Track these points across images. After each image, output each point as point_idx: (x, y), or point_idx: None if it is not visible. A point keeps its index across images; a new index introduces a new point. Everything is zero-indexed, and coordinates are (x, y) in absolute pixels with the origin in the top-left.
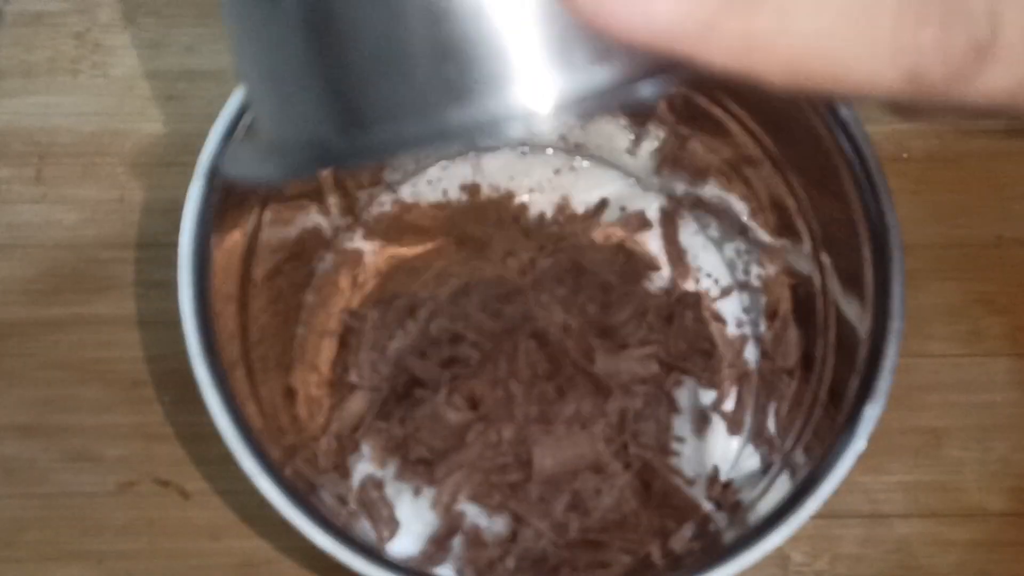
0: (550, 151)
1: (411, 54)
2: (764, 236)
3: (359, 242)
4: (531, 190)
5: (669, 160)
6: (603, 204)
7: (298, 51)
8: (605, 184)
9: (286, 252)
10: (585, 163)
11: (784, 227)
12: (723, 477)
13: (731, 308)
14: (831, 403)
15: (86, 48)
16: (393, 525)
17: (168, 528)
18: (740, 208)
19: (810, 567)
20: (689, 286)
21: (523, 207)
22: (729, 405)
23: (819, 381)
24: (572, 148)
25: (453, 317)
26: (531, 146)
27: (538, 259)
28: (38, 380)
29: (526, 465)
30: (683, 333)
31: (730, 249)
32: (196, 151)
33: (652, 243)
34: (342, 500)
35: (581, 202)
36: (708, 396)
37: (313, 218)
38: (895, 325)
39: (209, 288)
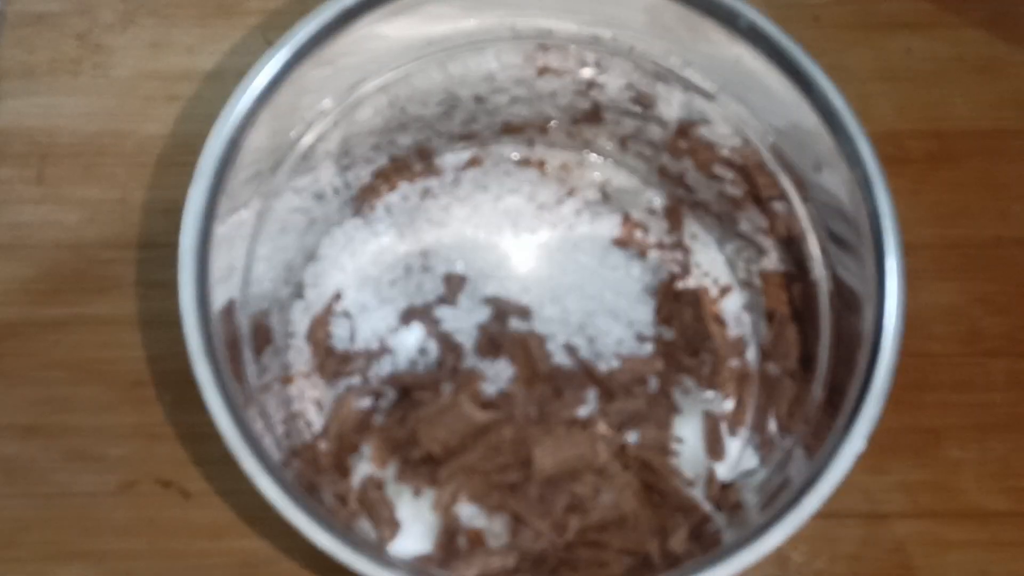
0: (559, 147)
1: None
2: (763, 237)
3: None
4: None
5: (668, 166)
6: (605, 194)
7: None
8: (612, 177)
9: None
10: (596, 159)
11: (783, 228)
12: (722, 477)
13: (731, 307)
14: (830, 403)
15: (87, 49)
16: (394, 525)
17: (169, 528)
18: (739, 208)
19: (809, 567)
20: (689, 283)
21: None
22: (729, 405)
23: (819, 381)
24: (581, 145)
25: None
26: (542, 142)
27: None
28: (39, 380)
29: (526, 465)
30: (682, 332)
31: (730, 248)
32: (197, 151)
33: (652, 240)
34: (342, 500)
35: (586, 193)
36: (708, 396)
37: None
38: (894, 325)
39: (209, 288)
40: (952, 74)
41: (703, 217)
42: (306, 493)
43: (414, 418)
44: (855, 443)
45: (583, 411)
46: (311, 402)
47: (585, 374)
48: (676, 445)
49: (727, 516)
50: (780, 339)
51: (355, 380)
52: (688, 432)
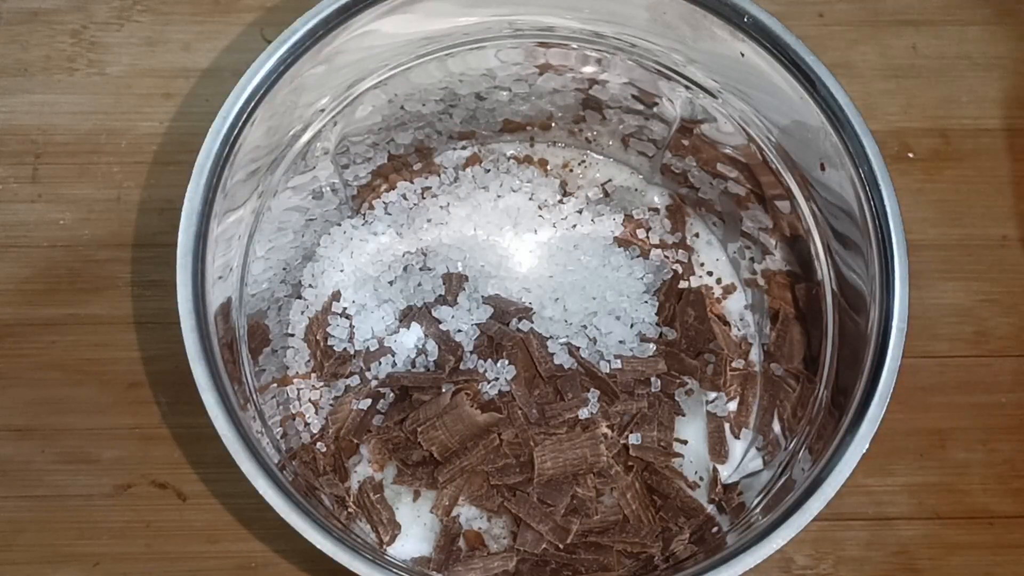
0: (561, 145)
1: None
2: (767, 236)
3: None
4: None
5: (670, 164)
6: (607, 193)
7: None
8: (614, 176)
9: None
10: (598, 157)
11: (787, 227)
12: (726, 479)
13: (735, 307)
14: (835, 404)
15: (82, 46)
16: (394, 527)
17: (165, 530)
18: (743, 207)
19: (813, 570)
20: (691, 283)
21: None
22: (732, 407)
23: (823, 382)
24: (582, 143)
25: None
26: (543, 141)
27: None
28: (34, 381)
29: (526, 467)
30: (685, 332)
31: (733, 247)
32: (194, 149)
33: (654, 239)
34: (341, 502)
35: (588, 191)
36: (711, 397)
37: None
38: (899, 325)
39: (207, 288)
40: (958, 72)
41: (706, 216)
42: (305, 495)
43: (413, 419)
44: (860, 444)
45: (584, 412)
46: (309, 403)
47: (587, 375)
48: (679, 447)
49: (730, 518)
50: (784, 339)
51: (353, 381)
52: (691, 433)
